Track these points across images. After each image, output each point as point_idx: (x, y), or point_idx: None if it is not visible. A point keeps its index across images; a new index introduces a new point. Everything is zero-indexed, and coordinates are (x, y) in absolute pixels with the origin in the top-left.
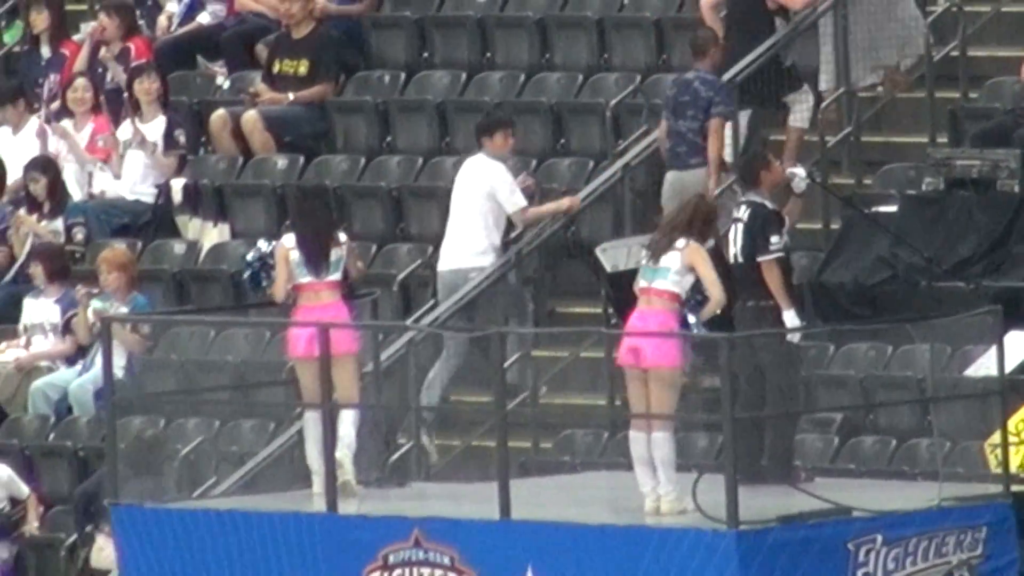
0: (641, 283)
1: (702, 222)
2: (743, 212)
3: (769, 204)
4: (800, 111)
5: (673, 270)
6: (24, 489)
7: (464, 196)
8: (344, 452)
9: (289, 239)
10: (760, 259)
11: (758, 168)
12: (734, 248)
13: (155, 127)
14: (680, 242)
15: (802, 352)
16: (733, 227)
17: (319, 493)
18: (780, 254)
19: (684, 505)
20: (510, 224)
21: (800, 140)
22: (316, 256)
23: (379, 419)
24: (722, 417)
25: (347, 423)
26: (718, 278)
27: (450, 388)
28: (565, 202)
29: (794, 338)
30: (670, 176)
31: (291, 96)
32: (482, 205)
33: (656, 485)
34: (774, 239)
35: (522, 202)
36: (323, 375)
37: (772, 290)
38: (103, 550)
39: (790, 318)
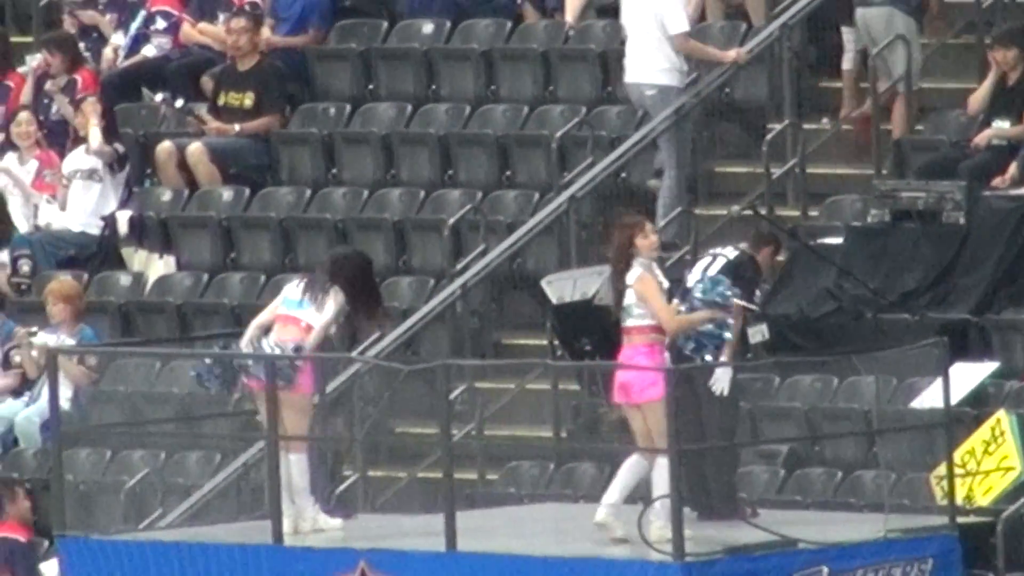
0: (621, 323)
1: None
2: (729, 251)
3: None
4: None
5: (635, 304)
6: None
7: (634, 16)
8: (303, 504)
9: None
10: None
11: (768, 244)
12: (696, 278)
13: (102, 157)
14: (630, 276)
15: (743, 392)
16: (708, 259)
17: (289, 532)
18: (757, 309)
19: (667, 533)
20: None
21: None
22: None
23: (325, 451)
24: (668, 449)
25: (296, 474)
26: (669, 311)
27: None
28: (731, 54)
29: (724, 386)
30: None
31: (237, 127)
32: (652, 25)
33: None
34: (758, 292)
35: (684, 26)
36: (269, 407)
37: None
38: None
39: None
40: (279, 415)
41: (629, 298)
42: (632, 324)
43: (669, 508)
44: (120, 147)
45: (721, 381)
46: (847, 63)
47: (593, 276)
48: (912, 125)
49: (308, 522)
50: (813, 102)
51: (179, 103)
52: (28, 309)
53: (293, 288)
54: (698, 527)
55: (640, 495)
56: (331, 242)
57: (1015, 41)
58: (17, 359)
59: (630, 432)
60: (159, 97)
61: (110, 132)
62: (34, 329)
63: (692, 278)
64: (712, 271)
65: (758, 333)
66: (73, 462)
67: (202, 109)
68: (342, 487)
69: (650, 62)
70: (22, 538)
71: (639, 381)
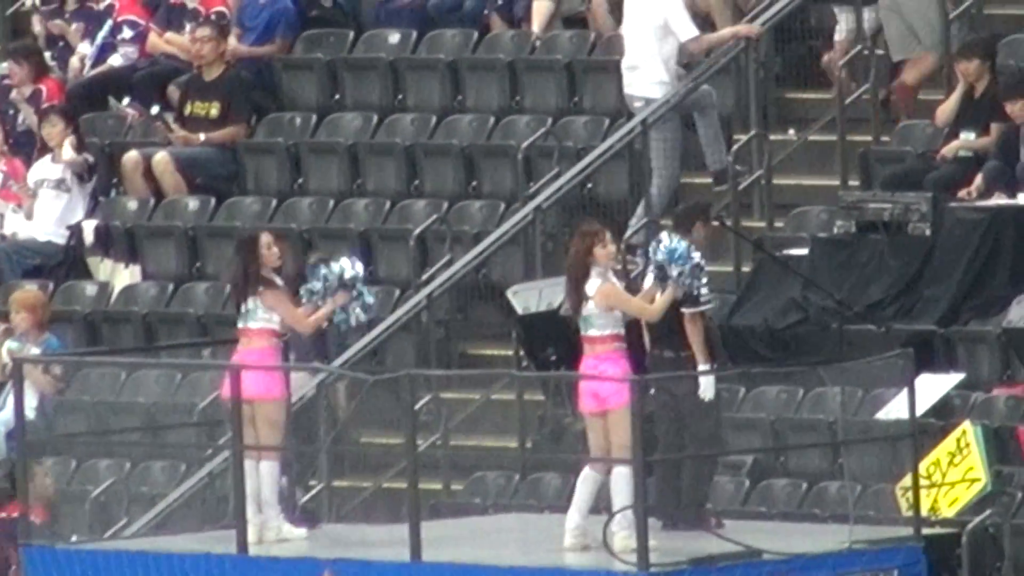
0: (581, 332)
1: (586, 255)
2: None
3: (696, 257)
4: None
5: (596, 315)
6: None
7: (636, 26)
8: (268, 514)
9: None
10: (686, 310)
11: (695, 219)
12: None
13: (63, 155)
14: (590, 286)
15: (720, 403)
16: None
17: (253, 542)
18: (708, 306)
19: (631, 543)
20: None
21: None
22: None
23: (290, 461)
24: (632, 460)
25: (267, 485)
26: (639, 302)
27: None
28: (743, 28)
29: (710, 393)
30: None
31: (202, 137)
32: (654, 36)
33: (580, 523)
34: (704, 291)
35: (694, 30)
36: (235, 417)
37: (692, 342)
38: None
39: (706, 379)
40: (254, 423)
41: (589, 308)
42: (595, 334)
43: (633, 519)
44: (90, 157)
45: (707, 387)
46: (839, 34)
47: (559, 287)
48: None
49: (272, 531)
50: (779, 113)
51: (154, 109)
52: None
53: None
54: (664, 538)
55: (604, 504)
56: (296, 252)
57: (976, 52)
58: None
59: (587, 443)
60: (126, 102)
61: (79, 142)
62: (12, 326)
63: (657, 259)
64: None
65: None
66: (38, 472)
67: (170, 117)
68: (307, 496)
69: (648, 75)
70: (37, 520)
71: (609, 390)
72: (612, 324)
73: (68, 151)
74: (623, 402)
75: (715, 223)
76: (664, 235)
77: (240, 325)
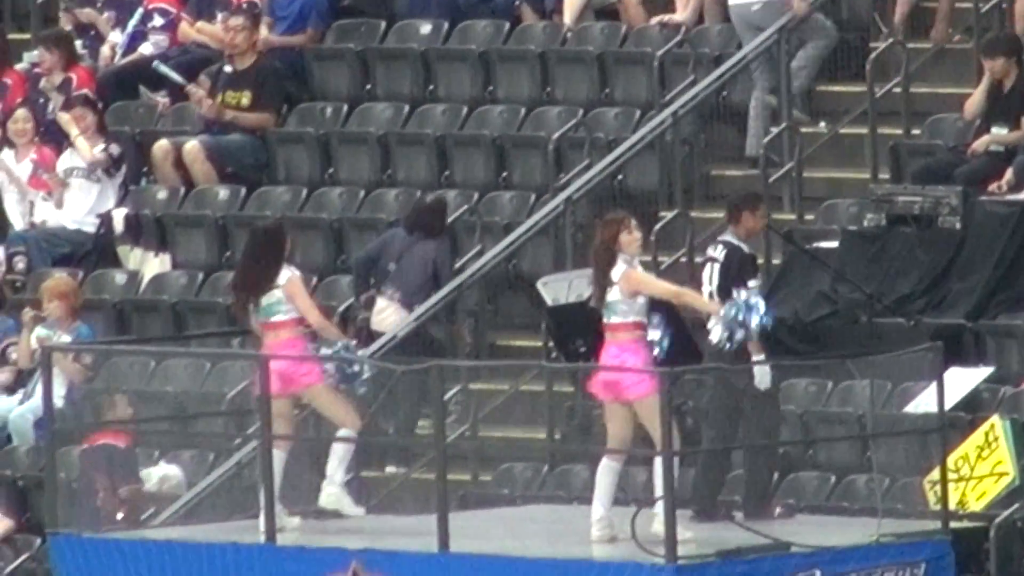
0: (604, 320)
1: (612, 242)
2: (719, 252)
3: (745, 247)
4: None
5: (620, 301)
6: None
7: None
8: (329, 492)
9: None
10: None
11: (743, 209)
12: (709, 287)
13: (83, 153)
14: (615, 272)
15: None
16: (708, 266)
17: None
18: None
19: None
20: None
21: None
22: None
23: (318, 451)
24: (661, 451)
25: (333, 460)
26: (667, 284)
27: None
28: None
29: (766, 382)
30: None
31: (231, 115)
32: None
33: (604, 514)
34: (752, 283)
35: None
36: (262, 408)
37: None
38: (383, 312)
39: (760, 369)
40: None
41: (614, 295)
42: (617, 321)
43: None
44: (115, 148)
45: (763, 376)
46: None
47: (588, 278)
48: None
49: (332, 500)
50: (811, 106)
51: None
52: (23, 306)
53: None
54: (695, 529)
55: (632, 495)
56: (327, 242)
57: (1000, 50)
58: (14, 356)
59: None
60: (164, 69)
61: (103, 132)
62: (44, 314)
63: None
64: (714, 280)
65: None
66: (66, 460)
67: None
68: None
69: None
70: (121, 444)
71: (630, 379)
72: (635, 312)
73: (85, 148)
74: (644, 392)
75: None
76: (714, 271)
77: (261, 320)
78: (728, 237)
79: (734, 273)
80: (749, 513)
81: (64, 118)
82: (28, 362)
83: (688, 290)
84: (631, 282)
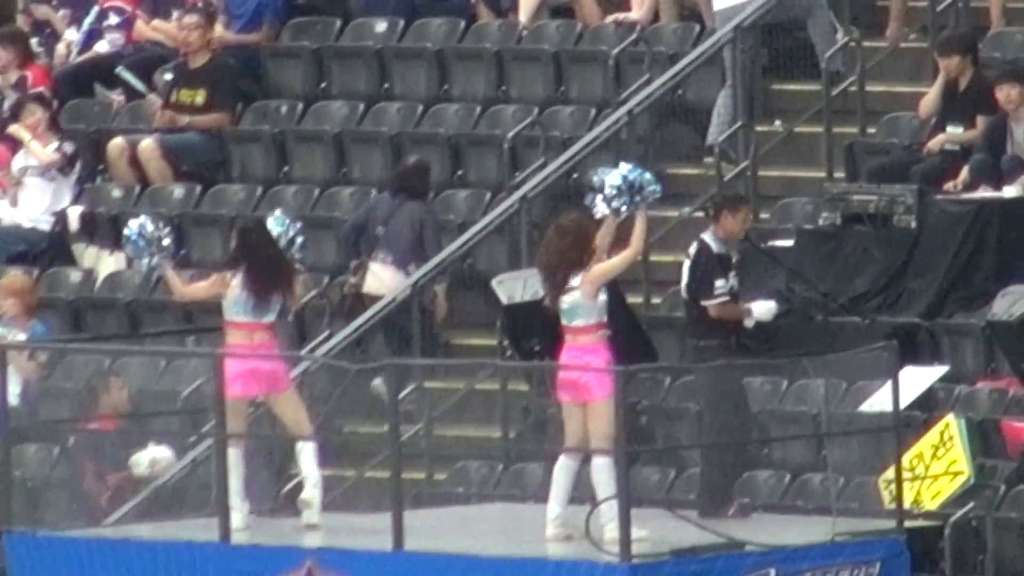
0: (563, 321)
1: (582, 250)
2: (692, 249)
3: (715, 247)
4: None
5: (581, 306)
6: None
7: None
8: (312, 492)
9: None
10: (703, 303)
11: (723, 209)
12: (681, 284)
13: (37, 154)
14: (575, 280)
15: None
16: (686, 262)
17: (239, 528)
18: (724, 298)
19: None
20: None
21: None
22: (265, 298)
23: (272, 449)
24: (615, 449)
25: (309, 461)
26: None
27: None
28: None
29: (767, 316)
30: None
31: (186, 119)
32: None
33: (560, 512)
34: (718, 283)
35: None
36: (218, 409)
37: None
38: (376, 275)
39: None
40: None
41: (573, 298)
42: (580, 324)
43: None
44: (68, 147)
45: (767, 310)
46: None
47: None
48: None
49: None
50: (765, 104)
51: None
52: None
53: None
54: (651, 528)
55: (587, 494)
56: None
57: (956, 49)
58: None
59: (562, 431)
60: (127, 76)
61: (56, 130)
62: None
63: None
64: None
65: (766, 311)
66: (21, 458)
67: (156, 98)
68: (289, 486)
69: None
70: (110, 430)
71: (591, 379)
72: (598, 312)
73: (39, 151)
74: (607, 393)
75: (700, 214)
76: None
77: (265, 320)
78: (706, 235)
79: (700, 272)
80: (704, 511)
81: (15, 128)
82: None
83: (635, 235)
84: (595, 279)
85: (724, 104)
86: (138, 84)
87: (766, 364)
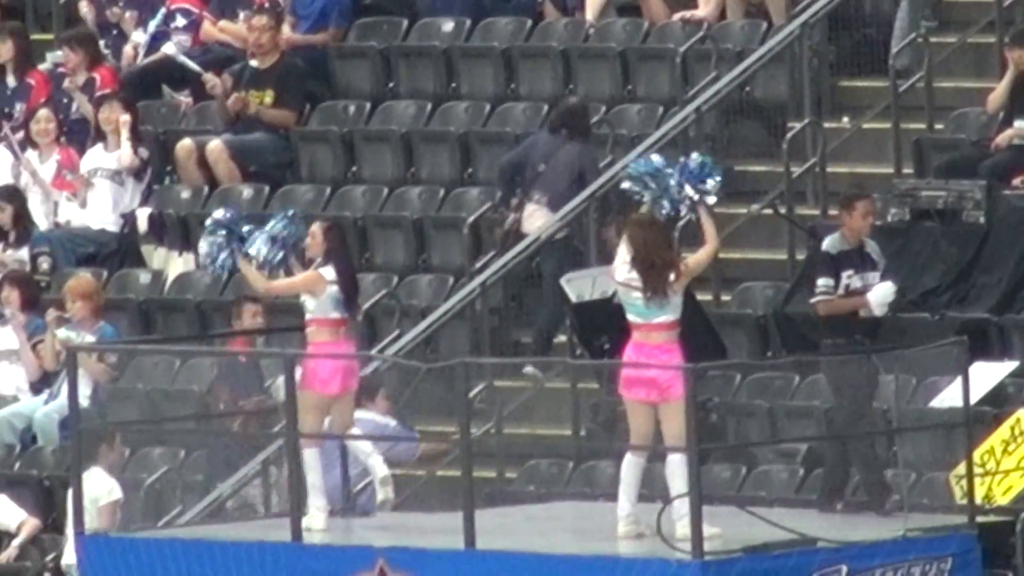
0: (636, 319)
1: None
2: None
3: (827, 244)
4: None
5: (673, 304)
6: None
7: None
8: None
9: (328, 271)
10: (811, 300)
11: (843, 206)
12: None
13: (122, 156)
14: (671, 276)
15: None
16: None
17: (321, 529)
18: (826, 296)
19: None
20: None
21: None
22: (355, 294)
23: (344, 449)
24: (688, 446)
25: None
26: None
27: None
28: None
29: (885, 301)
30: None
31: (254, 109)
32: None
33: (631, 510)
34: (820, 281)
35: None
36: (289, 407)
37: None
38: (532, 216)
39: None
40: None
41: (672, 299)
42: (660, 321)
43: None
44: (144, 151)
45: (885, 294)
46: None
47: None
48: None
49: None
50: (833, 101)
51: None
52: (48, 307)
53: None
54: (724, 526)
55: (658, 492)
56: (351, 240)
57: None
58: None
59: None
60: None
61: (135, 135)
62: (67, 315)
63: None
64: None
65: (884, 294)
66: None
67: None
68: (360, 485)
69: None
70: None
71: (668, 379)
72: (678, 309)
73: (127, 153)
74: (679, 393)
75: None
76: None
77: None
78: (835, 231)
79: (807, 272)
80: (819, 505)
81: (124, 119)
82: (52, 362)
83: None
84: (692, 272)
85: (900, 17)
86: (192, 65)
87: (836, 360)
